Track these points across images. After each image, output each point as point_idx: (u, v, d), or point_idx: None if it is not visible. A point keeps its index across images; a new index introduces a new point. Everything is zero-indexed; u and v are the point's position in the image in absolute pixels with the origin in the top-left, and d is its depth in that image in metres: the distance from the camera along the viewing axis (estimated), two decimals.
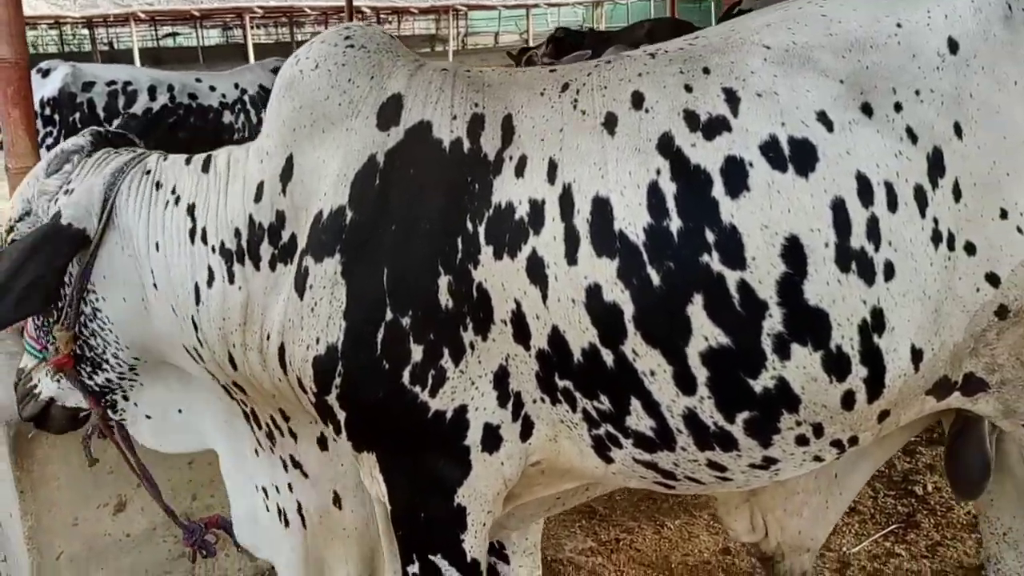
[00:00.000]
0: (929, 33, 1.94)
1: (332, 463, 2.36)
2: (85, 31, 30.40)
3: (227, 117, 5.98)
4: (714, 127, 1.90)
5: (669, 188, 1.88)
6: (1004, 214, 1.90)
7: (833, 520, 2.63)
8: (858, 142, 1.88)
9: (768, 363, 1.88)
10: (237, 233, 2.17)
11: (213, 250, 2.19)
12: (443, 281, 1.97)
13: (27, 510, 3.14)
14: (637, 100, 1.96)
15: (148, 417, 2.48)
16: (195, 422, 2.50)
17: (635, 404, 1.96)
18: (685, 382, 1.91)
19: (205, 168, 2.27)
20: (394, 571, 2.36)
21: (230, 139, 6.04)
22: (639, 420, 1.98)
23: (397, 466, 2.13)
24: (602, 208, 1.91)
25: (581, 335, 1.93)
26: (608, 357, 1.93)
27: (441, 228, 1.98)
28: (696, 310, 1.86)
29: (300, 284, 2.07)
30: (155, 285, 2.24)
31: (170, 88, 5.84)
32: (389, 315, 1.99)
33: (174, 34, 35.43)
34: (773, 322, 1.86)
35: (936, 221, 1.89)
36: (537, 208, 1.95)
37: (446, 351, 1.99)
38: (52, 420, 2.53)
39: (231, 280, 2.17)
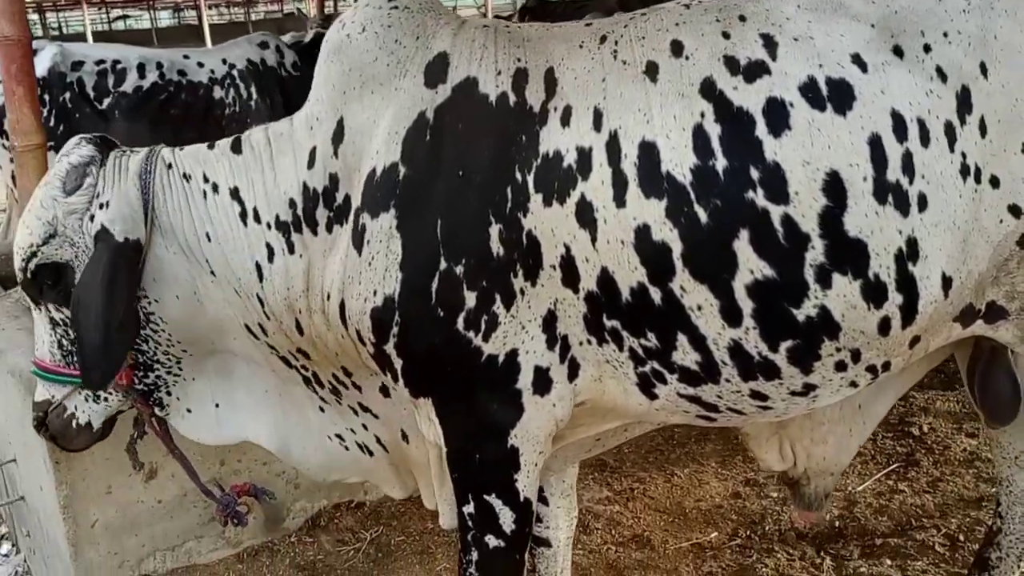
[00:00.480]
0: None
1: (395, 407, 2.44)
2: (35, 16, 29.77)
3: (217, 92, 5.97)
4: (754, 71, 2.00)
5: (714, 129, 1.97)
6: None
7: (856, 447, 2.77)
8: (891, 81, 1.99)
9: (811, 292, 1.98)
10: (292, 204, 2.22)
11: (268, 227, 2.24)
12: (494, 230, 2.05)
13: (62, 480, 3.20)
14: (677, 48, 2.06)
15: (189, 411, 2.49)
16: (231, 415, 2.52)
17: (681, 339, 2.06)
18: (731, 315, 2.01)
19: (236, 149, 2.30)
20: (446, 511, 2.48)
21: (221, 114, 6.04)
22: (685, 355, 2.08)
23: (452, 411, 2.21)
24: (649, 151, 1.99)
25: (630, 275, 2.02)
26: (656, 295, 2.02)
27: (491, 179, 2.05)
28: (742, 245, 1.96)
29: (358, 240, 2.13)
30: (212, 273, 2.28)
31: (159, 65, 5.80)
32: (443, 264, 2.06)
33: (124, 16, 34.83)
34: (815, 253, 1.96)
35: (964, 155, 2.01)
36: (584, 155, 2.02)
37: (498, 297, 2.07)
38: (103, 437, 2.52)
39: (291, 251, 2.23)
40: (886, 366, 2.16)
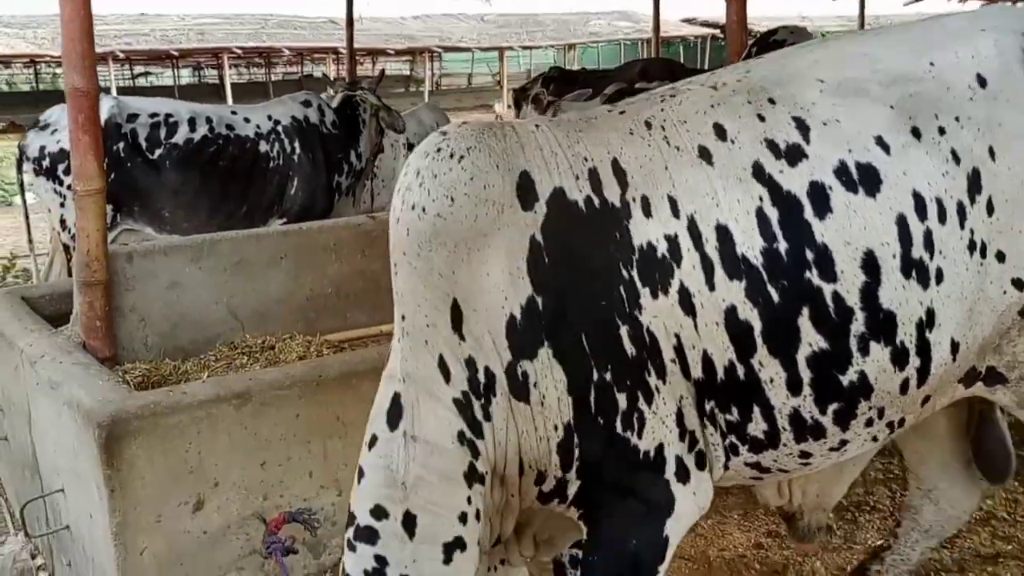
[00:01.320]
0: (959, 70, 2.27)
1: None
2: (60, 69, 30.45)
3: (263, 147, 6.22)
4: (794, 154, 2.18)
5: (772, 213, 2.15)
6: None
7: (847, 484, 2.97)
8: (911, 163, 2.18)
9: (854, 359, 2.18)
10: (461, 437, 2.15)
11: (468, 501, 2.16)
12: (623, 331, 2.15)
13: (115, 507, 3.32)
14: (720, 131, 2.22)
15: None
16: None
17: (755, 412, 2.23)
18: (794, 385, 2.19)
19: (410, 528, 2.17)
20: None
21: (266, 167, 6.29)
22: (756, 426, 2.24)
23: (608, 513, 2.26)
24: (724, 235, 2.16)
25: (723, 355, 2.17)
26: (741, 371, 2.18)
27: (606, 283, 2.14)
28: (804, 320, 2.15)
29: (521, 391, 2.14)
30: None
31: (208, 120, 6.07)
32: (596, 375, 2.14)
33: (147, 73, 35.55)
34: (858, 325, 2.16)
35: (972, 232, 2.21)
36: (673, 242, 2.16)
37: (639, 394, 2.17)
38: None
39: (482, 483, 2.19)
40: (901, 422, 2.35)
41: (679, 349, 2.17)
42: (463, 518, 2.16)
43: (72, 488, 3.70)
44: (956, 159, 2.20)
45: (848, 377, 2.19)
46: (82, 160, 4.02)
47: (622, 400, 2.15)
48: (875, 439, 2.38)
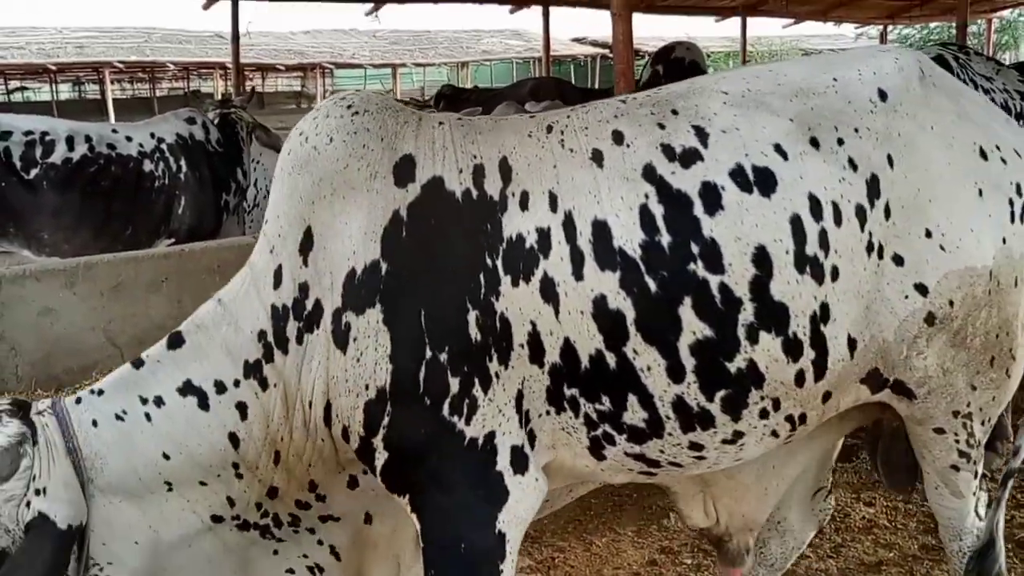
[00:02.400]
0: (861, 85, 2.40)
1: (363, 493, 2.48)
2: None
3: (147, 166, 6.01)
4: (689, 157, 2.27)
5: (658, 209, 2.22)
6: (928, 233, 2.33)
7: (772, 504, 2.99)
8: (808, 169, 2.29)
9: (742, 348, 2.24)
10: (261, 335, 2.26)
11: (236, 384, 2.26)
12: (472, 316, 2.18)
13: None
14: (618, 137, 2.31)
15: None
16: None
17: (631, 400, 2.25)
18: (676, 372, 2.23)
19: (176, 344, 2.31)
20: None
21: (151, 186, 6.09)
22: (634, 414, 2.26)
23: (435, 503, 2.23)
24: (601, 229, 2.21)
25: (589, 342, 2.21)
26: (612, 359, 2.21)
27: (465, 268, 2.20)
28: (686, 309, 2.20)
29: (341, 339, 2.20)
30: (170, 490, 2.27)
31: (87, 139, 5.82)
32: (428, 353, 2.17)
33: (23, 88, 34.15)
34: (747, 314, 2.23)
35: (871, 234, 2.30)
36: (544, 234, 2.22)
37: (476, 380, 2.19)
38: None
39: (264, 387, 2.27)
40: (803, 418, 2.40)
41: (533, 335, 2.20)
42: (219, 388, 2.26)
43: None
44: (854, 166, 2.30)
45: (736, 364, 2.24)
46: None
47: (454, 384, 2.17)
48: (775, 434, 2.40)
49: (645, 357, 2.22)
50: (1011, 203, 2.41)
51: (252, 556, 2.49)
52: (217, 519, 2.37)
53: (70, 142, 5.80)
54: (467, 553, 2.21)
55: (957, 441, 2.53)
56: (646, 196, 2.23)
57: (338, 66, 31.43)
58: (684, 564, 3.87)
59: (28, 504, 2.12)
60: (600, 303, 2.20)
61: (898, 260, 2.32)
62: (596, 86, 22.01)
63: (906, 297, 2.33)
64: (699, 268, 2.20)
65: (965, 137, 2.41)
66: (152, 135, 6.19)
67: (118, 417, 2.25)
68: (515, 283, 2.20)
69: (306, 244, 2.25)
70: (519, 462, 2.24)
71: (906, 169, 2.34)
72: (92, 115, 24.07)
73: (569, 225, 2.22)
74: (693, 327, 2.21)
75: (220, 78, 29.57)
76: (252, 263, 2.35)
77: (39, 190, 5.70)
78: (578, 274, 2.20)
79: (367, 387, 2.19)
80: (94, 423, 2.24)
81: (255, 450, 2.31)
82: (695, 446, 2.35)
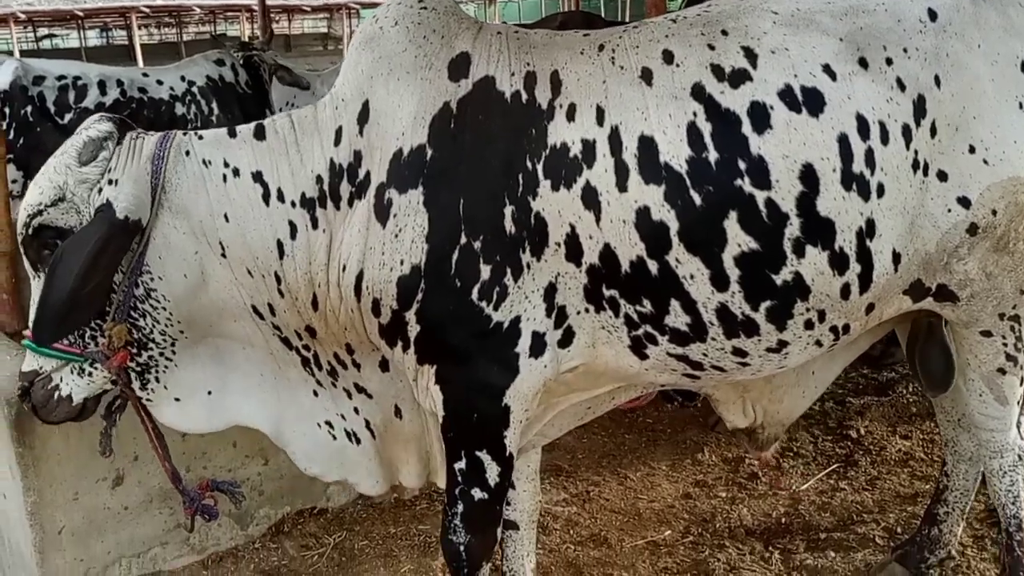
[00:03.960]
0: (911, 3, 2.40)
1: (392, 382, 2.60)
2: None
3: (179, 109, 6.05)
4: (738, 77, 2.30)
5: (705, 127, 2.27)
6: (972, 149, 2.37)
7: (807, 405, 3.07)
8: (856, 89, 2.31)
9: (788, 261, 2.30)
10: (319, 179, 2.38)
11: (293, 205, 2.38)
12: (508, 210, 2.29)
13: (29, 487, 3.21)
14: (668, 56, 2.34)
15: (177, 400, 2.55)
16: (225, 401, 2.60)
17: (674, 304, 2.33)
18: (720, 281, 2.30)
19: (260, 136, 2.44)
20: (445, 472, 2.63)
21: (184, 128, 6.11)
22: (677, 317, 2.35)
23: (454, 375, 2.41)
24: (648, 145, 2.27)
25: (630, 249, 2.29)
26: (653, 266, 2.29)
27: (506, 166, 2.30)
28: (731, 223, 2.27)
29: (382, 214, 2.31)
30: (224, 255, 2.39)
31: (119, 83, 5.86)
32: (463, 239, 2.29)
33: (51, 35, 34.18)
34: (793, 229, 2.28)
35: (916, 152, 2.34)
36: (589, 146, 2.29)
37: (508, 270, 2.30)
38: (85, 413, 2.56)
39: (315, 226, 2.38)
40: (846, 328, 2.46)
41: (571, 236, 2.30)
42: (279, 196, 2.38)
43: None
44: (902, 86, 2.34)
45: (781, 276, 2.31)
46: None
47: (485, 271, 2.29)
48: (819, 343, 2.48)
49: (688, 266, 2.29)
50: None
51: (292, 379, 2.61)
52: (258, 313, 2.46)
53: (102, 87, 5.83)
54: (477, 420, 2.44)
55: (1005, 344, 2.63)
56: (694, 114, 2.28)
57: (364, 6, 31.02)
58: (719, 497, 3.89)
59: (100, 191, 2.33)
60: (643, 213, 2.27)
61: (942, 176, 2.38)
62: (627, 19, 21.62)
63: (949, 211, 2.38)
64: (746, 184, 2.26)
65: (1008, 52, 2.42)
66: (183, 78, 6.21)
67: (204, 163, 2.40)
68: (555, 188, 2.28)
69: (363, 115, 2.37)
70: (537, 347, 2.37)
71: (953, 89, 2.36)
72: (120, 60, 24.02)
73: (615, 139, 2.28)
74: (739, 240, 2.27)
75: (246, 20, 29.35)
76: (318, 109, 2.44)
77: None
78: (622, 186, 2.27)
79: (402, 262, 2.30)
80: (187, 153, 2.40)
81: (294, 276, 2.40)
82: (739, 352, 2.42)
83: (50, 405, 2.49)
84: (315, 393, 2.63)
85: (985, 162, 2.37)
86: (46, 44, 32.90)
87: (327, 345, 2.54)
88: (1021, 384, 2.70)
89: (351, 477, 2.77)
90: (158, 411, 2.57)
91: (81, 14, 26.89)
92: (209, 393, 2.58)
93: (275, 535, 3.77)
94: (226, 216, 2.38)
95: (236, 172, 2.39)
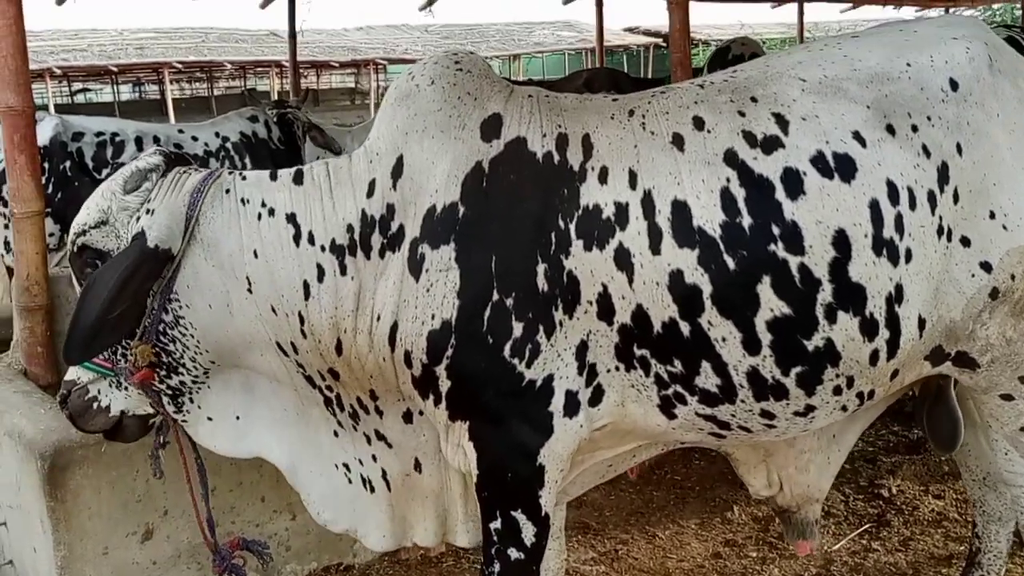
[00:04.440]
0: (933, 72, 2.45)
1: (415, 434, 2.63)
2: None
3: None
4: (770, 144, 2.34)
5: (739, 192, 2.30)
6: (992, 215, 2.42)
7: (834, 473, 3.02)
8: (886, 155, 2.35)
9: (820, 327, 2.32)
10: (349, 229, 2.43)
11: (323, 249, 2.43)
12: (540, 268, 2.32)
13: (60, 540, 3.22)
14: (699, 123, 2.38)
15: (209, 419, 2.64)
16: (250, 429, 2.68)
17: (705, 366, 2.34)
18: (751, 345, 2.31)
19: (298, 181, 2.52)
20: (466, 531, 2.70)
21: None
22: (707, 379, 2.36)
23: (488, 433, 2.42)
24: (681, 209, 2.31)
25: (663, 311, 2.31)
26: (685, 328, 2.31)
27: (538, 224, 2.33)
28: (764, 288, 2.30)
29: (415, 268, 2.36)
30: (249, 290, 2.46)
31: (155, 139, 5.99)
32: (495, 296, 2.32)
33: (85, 89, 34.91)
34: (825, 295, 2.30)
35: (941, 218, 2.38)
36: (622, 209, 2.32)
37: (541, 328, 2.32)
38: (126, 430, 2.67)
39: (343, 272, 2.42)
40: (871, 394, 2.48)
41: (603, 296, 2.32)
42: (310, 239, 2.44)
43: (15, 521, 3.59)
44: (927, 153, 2.39)
45: (813, 342, 2.32)
46: (19, 182, 3.89)
47: (518, 328, 2.31)
48: (844, 408, 2.49)
49: (720, 329, 2.30)
50: None
51: (314, 417, 2.66)
52: (282, 350, 2.52)
53: (139, 142, 5.94)
54: (511, 480, 2.45)
55: None
56: (727, 180, 2.31)
57: (391, 61, 31.53)
58: (749, 557, 3.84)
59: (138, 219, 2.46)
60: (676, 276, 2.29)
61: (965, 242, 2.41)
62: (649, 76, 21.83)
63: (972, 276, 2.42)
64: (779, 249, 2.29)
65: None
66: (217, 134, 6.32)
67: (242, 201, 2.48)
68: (588, 248, 2.31)
69: (397, 170, 2.41)
70: (571, 406, 2.38)
71: (974, 157, 2.41)
72: (152, 114, 24.52)
73: (648, 202, 2.32)
74: (771, 304, 2.29)
75: (276, 76, 29.91)
76: (354, 161, 2.50)
77: None
78: (655, 248, 2.30)
79: (433, 317, 2.34)
80: (227, 191, 2.49)
81: (319, 319, 2.44)
82: (767, 414, 2.43)
83: (88, 415, 2.61)
84: (336, 434, 2.68)
85: (1004, 228, 2.42)
86: (80, 98, 33.61)
87: (350, 389, 2.59)
88: None
89: (360, 528, 2.79)
90: (192, 430, 2.67)
91: (115, 69, 27.46)
92: (238, 418, 2.66)
93: None
94: (255, 252, 2.45)
95: (272, 212, 2.47)
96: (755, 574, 3.72)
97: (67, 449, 3.19)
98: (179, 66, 27.48)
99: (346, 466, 2.70)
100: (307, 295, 2.44)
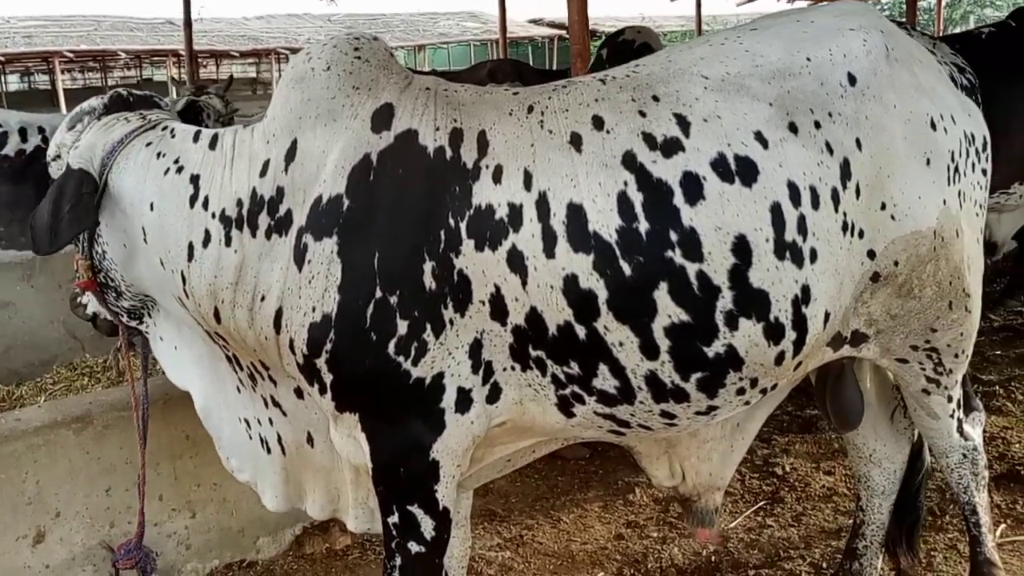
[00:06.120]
0: (832, 67, 2.43)
1: (307, 410, 2.64)
2: None
3: None
4: (670, 147, 2.28)
5: (637, 197, 2.25)
6: (883, 206, 2.43)
7: (737, 461, 3.07)
8: (788, 156, 2.32)
9: (720, 334, 2.28)
10: (239, 203, 2.43)
11: (213, 216, 2.45)
12: (427, 266, 2.26)
13: None
14: (598, 122, 2.32)
15: (161, 339, 2.83)
16: (182, 362, 2.81)
17: (602, 368, 2.31)
18: (649, 350, 2.28)
19: (212, 145, 2.55)
20: (355, 516, 2.73)
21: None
22: (605, 381, 2.33)
23: (379, 428, 2.41)
24: (576, 212, 2.24)
25: (557, 314, 2.27)
26: (581, 331, 2.27)
27: (426, 221, 2.27)
28: (662, 294, 2.24)
29: (299, 258, 2.33)
30: (145, 240, 2.54)
31: (41, 130, 5.78)
32: (379, 293, 2.27)
33: None
34: (725, 302, 2.26)
35: (845, 214, 2.37)
36: (515, 210, 2.26)
37: (428, 326, 2.28)
38: (100, 327, 2.97)
39: (228, 243, 2.43)
40: (774, 387, 2.51)
41: (496, 297, 2.28)
42: (204, 204, 2.48)
43: None
44: (830, 150, 2.36)
45: (714, 349, 2.29)
46: None
47: (403, 326, 2.28)
48: (747, 403, 2.51)
49: (617, 334, 2.27)
50: (949, 167, 2.52)
51: (221, 370, 2.76)
52: (177, 302, 2.60)
53: (23, 134, 5.75)
54: (405, 475, 2.43)
55: (923, 369, 2.76)
56: (625, 183, 2.25)
57: (293, 51, 30.99)
58: (650, 538, 3.93)
59: (70, 153, 2.65)
60: (571, 281, 2.24)
61: (860, 234, 2.41)
62: (554, 67, 21.99)
63: (861, 264, 2.44)
64: (677, 256, 2.23)
65: (920, 110, 2.49)
66: None
67: (158, 154, 2.56)
68: (479, 248, 2.26)
69: (291, 154, 2.39)
70: (464, 403, 2.36)
71: (872, 150, 2.41)
72: (43, 105, 23.56)
73: (543, 204, 2.25)
74: (669, 311, 2.25)
75: (173, 65, 29.11)
76: (255, 137, 2.50)
77: None
78: (549, 252, 2.24)
79: (314, 309, 2.32)
80: (148, 144, 2.58)
81: (199, 283, 2.48)
82: (667, 415, 2.42)
83: (75, 306, 2.97)
84: (238, 390, 2.73)
85: (893, 218, 2.43)
86: None
87: (242, 354, 2.61)
88: (948, 401, 2.85)
89: (260, 482, 2.84)
90: (153, 345, 2.87)
91: (2, 59, 26.36)
92: (175, 348, 2.81)
93: None
94: (151, 205, 2.52)
95: (180, 170, 2.52)
96: (656, 553, 3.81)
97: None
98: (70, 55, 26.48)
99: (247, 422, 2.76)
100: (191, 256, 2.47)
